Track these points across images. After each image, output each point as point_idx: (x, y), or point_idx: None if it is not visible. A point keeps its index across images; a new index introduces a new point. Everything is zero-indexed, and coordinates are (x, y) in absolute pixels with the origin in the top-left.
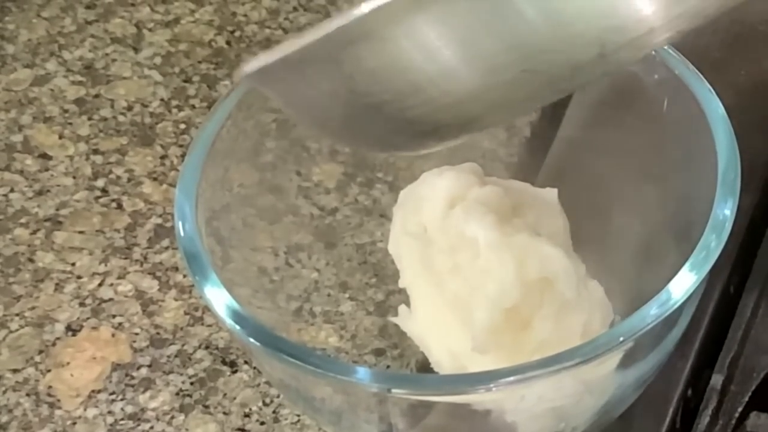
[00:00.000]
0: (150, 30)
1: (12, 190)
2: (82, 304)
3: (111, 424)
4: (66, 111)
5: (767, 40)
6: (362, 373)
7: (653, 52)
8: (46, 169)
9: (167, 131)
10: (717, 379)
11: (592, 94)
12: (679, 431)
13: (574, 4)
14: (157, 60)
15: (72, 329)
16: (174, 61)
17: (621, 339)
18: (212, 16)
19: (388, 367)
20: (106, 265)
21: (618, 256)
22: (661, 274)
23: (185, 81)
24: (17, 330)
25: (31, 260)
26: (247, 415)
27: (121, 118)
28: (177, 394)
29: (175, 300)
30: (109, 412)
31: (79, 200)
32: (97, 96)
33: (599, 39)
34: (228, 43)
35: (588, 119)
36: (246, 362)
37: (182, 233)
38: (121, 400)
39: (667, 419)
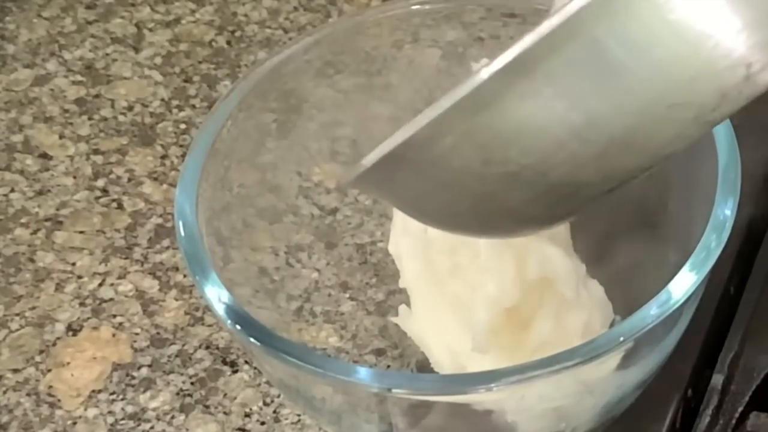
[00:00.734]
0: (150, 30)
1: (12, 190)
2: (82, 304)
3: (111, 424)
4: (66, 111)
5: None
6: (362, 373)
7: None
8: (47, 169)
9: (167, 131)
10: (717, 379)
11: None
12: (679, 431)
13: (719, 24)
14: (158, 60)
15: (72, 329)
16: (174, 61)
17: (621, 339)
18: (213, 16)
19: (388, 367)
20: (106, 265)
21: (618, 256)
22: (661, 274)
23: (185, 81)
24: (18, 330)
25: (31, 260)
26: (247, 415)
27: (121, 118)
28: (177, 394)
29: (176, 300)
30: (110, 412)
31: (79, 200)
32: (97, 96)
33: (745, 58)
34: (228, 43)
35: None
36: (246, 362)
37: (182, 233)
38: (122, 400)
39: (667, 419)
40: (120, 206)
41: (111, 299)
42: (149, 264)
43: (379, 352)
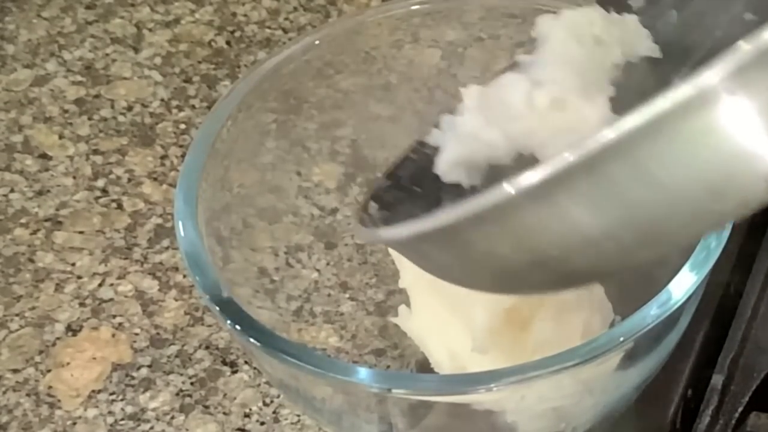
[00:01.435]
0: (150, 30)
1: (12, 190)
2: (82, 305)
3: (111, 425)
4: (66, 111)
5: None
6: (362, 373)
7: None
8: (46, 169)
9: (167, 131)
10: (717, 379)
11: None
12: (679, 431)
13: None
14: (157, 60)
15: (72, 329)
16: (174, 62)
17: (621, 339)
18: (212, 17)
19: (388, 367)
20: (106, 266)
21: None
22: (661, 274)
23: (185, 81)
24: (17, 330)
25: (31, 260)
26: (247, 415)
27: (121, 119)
28: (177, 394)
29: (176, 300)
30: (109, 413)
31: (79, 200)
32: (97, 96)
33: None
34: (228, 43)
35: None
36: (246, 362)
37: (182, 233)
38: (121, 400)
39: (667, 419)
40: (120, 206)
41: (111, 299)
42: (149, 264)
43: (379, 353)
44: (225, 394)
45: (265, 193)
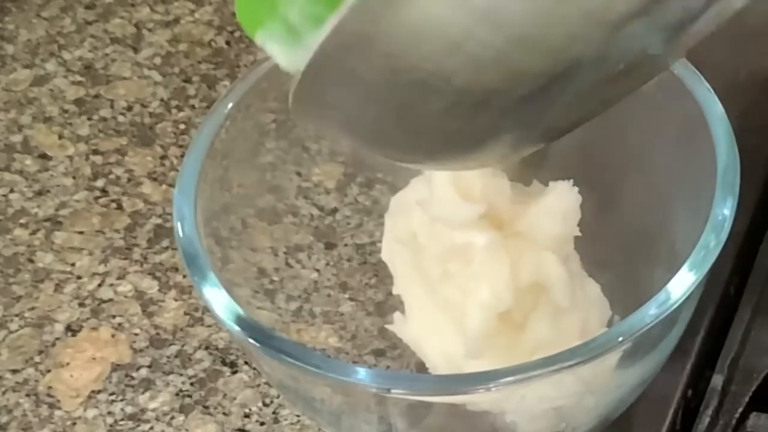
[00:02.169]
0: (150, 30)
1: (12, 191)
2: (81, 305)
3: (111, 425)
4: (66, 111)
5: (767, 40)
6: (362, 373)
7: None
8: (46, 170)
9: (167, 131)
10: (717, 380)
11: None
12: (679, 431)
13: None
14: (157, 60)
15: (72, 329)
16: (174, 61)
17: (620, 339)
18: (212, 16)
19: (387, 367)
20: (106, 266)
21: (617, 255)
22: (661, 274)
23: (185, 81)
24: (17, 330)
25: (30, 260)
26: (247, 416)
27: (120, 119)
28: (177, 394)
29: (175, 300)
30: (109, 413)
31: (78, 200)
32: (96, 96)
33: None
34: (228, 43)
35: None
36: (246, 363)
37: (181, 234)
38: (121, 400)
39: (667, 419)
40: (119, 206)
41: (110, 300)
42: (149, 264)
43: (379, 353)
44: (225, 395)
45: (264, 193)
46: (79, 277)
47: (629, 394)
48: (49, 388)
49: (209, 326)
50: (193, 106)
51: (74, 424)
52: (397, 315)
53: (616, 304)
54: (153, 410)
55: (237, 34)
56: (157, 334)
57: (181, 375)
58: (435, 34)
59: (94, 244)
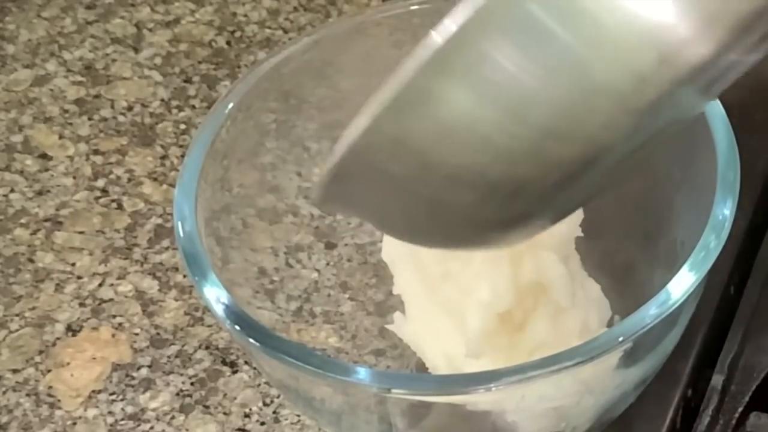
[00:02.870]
0: (150, 30)
1: (12, 191)
2: (82, 305)
3: (111, 425)
4: (66, 111)
5: None
6: (362, 373)
7: None
8: (46, 170)
9: (167, 131)
10: (717, 379)
11: None
12: (679, 431)
13: (621, 6)
14: (157, 60)
15: (72, 329)
16: (174, 62)
17: (620, 339)
18: (212, 17)
19: (388, 367)
20: (106, 266)
21: (618, 255)
22: (661, 274)
23: (185, 81)
24: (17, 330)
25: (31, 260)
26: (247, 416)
27: (121, 119)
28: (177, 394)
29: (176, 300)
30: (110, 413)
31: (79, 200)
32: (97, 96)
33: (653, 40)
34: (228, 43)
35: None
36: (246, 362)
37: (182, 234)
38: (122, 400)
39: (667, 419)
40: (120, 206)
41: (111, 299)
42: (149, 264)
43: (379, 353)
44: (225, 394)
45: (265, 193)
46: (79, 277)
47: (629, 394)
48: (50, 387)
49: (209, 326)
50: (193, 106)
51: (74, 423)
52: (397, 315)
53: (616, 304)
54: (153, 410)
55: (237, 34)
56: (158, 334)
57: (182, 375)
58: (465, 130)
59: (94, 244)
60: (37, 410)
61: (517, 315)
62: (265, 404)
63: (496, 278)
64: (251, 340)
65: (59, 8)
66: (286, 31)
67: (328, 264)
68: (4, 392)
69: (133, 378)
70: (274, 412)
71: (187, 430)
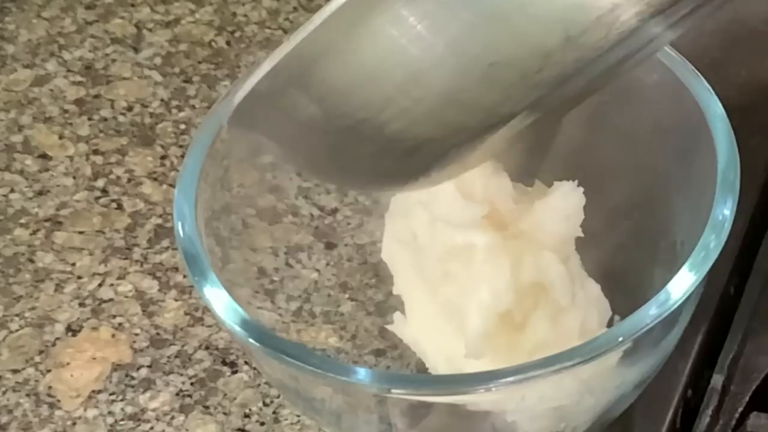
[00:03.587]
0: (150, 30)
1: (12, 191)
2: (82, 305)
3: (111, 425)
4: (66, 111)
5: (767, 40)
6: (362, 373)
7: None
8: (46, 170)
9: (167, 131)
10: (717, 380)
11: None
12: (679, 431)
13: None
14: (157, 60)
15: (72, 330)
16: (174, 62)
17: (620, 339)
18: (212, 17)
19: (388, 367)
20: (106, 266)
21: (618, 255)
22: (661, 274)
23: (185, 81)
24: (17, 330)
25: (31, 260)
26: (247, 416)
27: (121, 119)
28: (177, 394)
29: (175, 300)
30: (109, 413)
31: (79, 200)
32: (97, 96)
33: (562, 20)
34: (228, 43)
35: (588, 120)
36: (246, 363)
37: (182, 234)
38: (121, 400)
39: (667, 419)
40: (120, 206)
41: (111, 300)
42: (149, 264)
43: (379, 353)
44: (225, 395)
45: (265, 193)
46: (79, 277)
47: (629, 394)
48: (50, 388)
49: (209, 326)
50: (193, 106)
51: (74, 424)
52: (397, 315)
53: (616, 304)
54: (153, 410)
55: (237, 34)
56: (158, 334)
57: (182, 375)
58: (367, 87)
59: (94, 244)
60: (37, 410)
61: (517, 315)
62: (265, 404)
63: (496, 278)
64: (251, 340)
65: (59, 8)
66: (286, 31)
67: (328, 264)
68: (4, 392)
69: (133, 378)
70: (274, 412)
71: (187, 430)
